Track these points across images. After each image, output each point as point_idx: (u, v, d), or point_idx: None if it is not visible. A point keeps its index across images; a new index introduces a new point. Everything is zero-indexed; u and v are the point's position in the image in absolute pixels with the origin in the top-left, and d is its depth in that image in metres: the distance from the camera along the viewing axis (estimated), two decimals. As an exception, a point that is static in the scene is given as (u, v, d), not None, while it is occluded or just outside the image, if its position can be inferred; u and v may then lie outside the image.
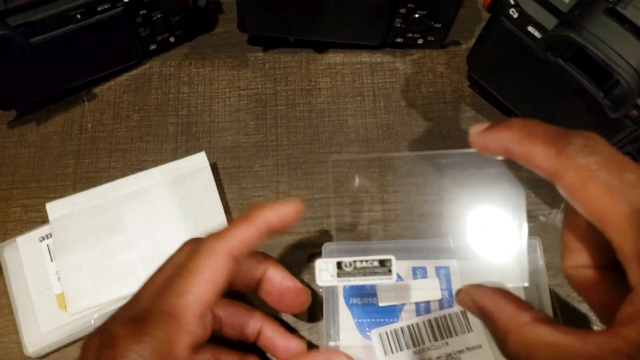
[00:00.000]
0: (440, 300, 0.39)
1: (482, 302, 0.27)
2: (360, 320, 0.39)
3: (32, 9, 0.40)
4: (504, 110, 0.47)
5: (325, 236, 0.43)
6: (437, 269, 0.40)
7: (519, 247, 0.39)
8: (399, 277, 0.39)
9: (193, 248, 0.31)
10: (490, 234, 0.36)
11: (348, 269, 0.30)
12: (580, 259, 0.27)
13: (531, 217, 0.43)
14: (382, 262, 0.30)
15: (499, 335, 0.26)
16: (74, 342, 0.40)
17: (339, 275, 0.31)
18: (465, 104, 0.48)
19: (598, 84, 0.36)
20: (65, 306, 0.40)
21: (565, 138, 0.24)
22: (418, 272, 0.39)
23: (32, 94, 0.46)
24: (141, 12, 0.44)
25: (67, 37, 0.42)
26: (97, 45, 0.45)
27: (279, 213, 0.32)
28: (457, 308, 0.38)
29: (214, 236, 0.31)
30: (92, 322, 0.40)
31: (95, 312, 0.40)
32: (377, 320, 0.39)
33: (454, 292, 0.39)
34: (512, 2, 0.38)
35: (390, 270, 0.30)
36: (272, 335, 0.36)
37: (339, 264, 0.30)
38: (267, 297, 0.36)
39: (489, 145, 0.27)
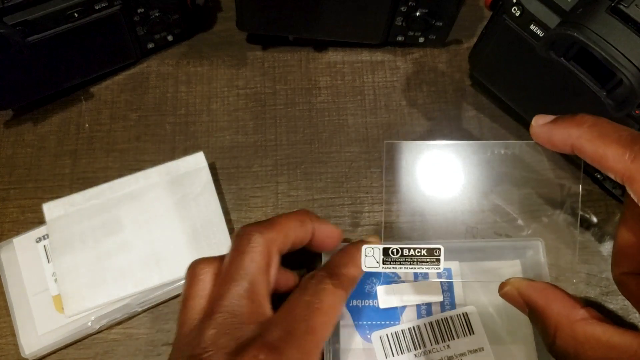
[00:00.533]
0: (441, 302, 0.38)
1: (531, 296, 0.27)
2: (360, 322, 0.38)
3: (29, 7, 0.40)
4: (506, 109, 0.46)
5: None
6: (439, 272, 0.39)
7: (523, 248, 0.39)
8: (397, 276, 0.39)
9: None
10: (496, 234, 0.36)
11: (395, 256, 0.30)
12: (634, 266, 0.27)
13: (534, 217, 0.43)
14: (431, 251, 0.29)
15: (548, 330, 0.26)
16: (70, 344, 0.40)
17: (384, 262, 0.30)
18: (467, 103, 0.47)
19: (601, 83, 0.35)
20: (62, 308, 0.40)
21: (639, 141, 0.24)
22: (419, 274, 0.39)
23: (29, 93, 0.45)
24: (139, 11, 0.44)
25: (64, 36, 0.42)
26: (95, 44, 0.44)
27: (327, 229, 0.34)
28: (459, 310, 0.38)
29: (328, 276, 0.31)
30: (89, 324, 0.39)
31: (92, 314, 0.40)
32: (378, 322, 0.38)
33: (455, 294, 0.39)
34: (514, 1, 0.38)
35: (438, 260, 0.29)
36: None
37: (385, 250, 0.30)
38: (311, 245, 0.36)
39: (555, 139, 0.27)
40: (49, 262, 0.41)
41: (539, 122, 0.28)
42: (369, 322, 0.38)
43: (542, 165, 0.31)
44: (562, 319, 0.25)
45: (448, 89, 0.48)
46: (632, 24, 0.33)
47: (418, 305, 0.38)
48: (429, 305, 0.38)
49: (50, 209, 0.42)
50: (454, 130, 0.46)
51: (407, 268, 0.30)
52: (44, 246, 0.41)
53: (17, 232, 0.42)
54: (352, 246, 0.34)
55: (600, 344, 0.24)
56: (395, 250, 0.30)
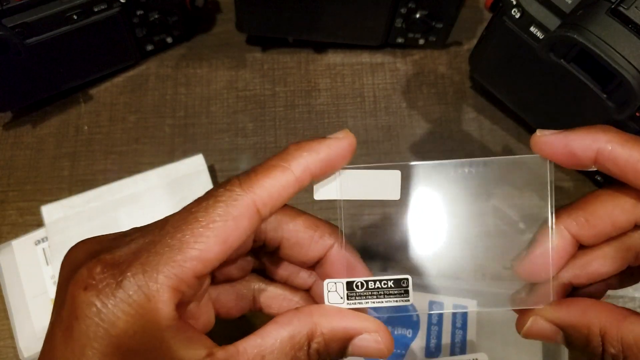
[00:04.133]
0: (451, 342, 0.37)
1: (566, 317, 0.25)
2: None
3: (28, 9, 0.40)
4: (507, 111, 0.46)
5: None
6: (455, 306, 0.38)
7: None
8: (413, 308, 0.38)
9: (211, 194, 0.24)
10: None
11: (360, 290, 0.27)
12: (582, 231, 0.26)
13: (534, 221, 0.43)
14: (398, 282, 0.27)
15: (593, 342, 0.24)
16: (69, 347, 0.40)
17: (349, 298, 0.27)
18: (467, 105, 0.47)
19: (601, 85, 0.35)
20: (61, 311, 0.39)
21: None
22: (434, 307, 0.38)
23: (27, 95, 0.45)
24: (138, 13, 0.44)
25: (63, 38, 0.42)
26: (94, 46, 0.44)
27: (324, 156, 0.26)
28: (469, 357, 0.36)
29: (238, 182, 0.24)
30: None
31: (91, 317, 0.39)
32: None
33: (468, 335, 0.38)
34: (515, 2, 0.38)
35: (407, 292, 0.27)
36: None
37: (349, 285, 0.27)
38: (322, 273, 0.30)
39: (576, 146, 0.24)
40: (47, 264, 0.41)
41: (547, 132, 0.25)
42: None
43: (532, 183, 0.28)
44: (607, 324, 0.24)
45: (448, 91, 0.48)
46: (632, 26, 0.33)
47: (427, 341, 0.37)
48: (438, 341, 0.37)
49: (49, 211, 0.42)
50: (454, 132, 0.46)
51: (373, 302, 0.27)
52: (43, 249, 0.41)
53: (16, 235, 0.42)
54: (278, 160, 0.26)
55: None
56: (360, 284, 0.27)
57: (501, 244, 0.28)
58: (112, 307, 0.22)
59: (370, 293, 0.27)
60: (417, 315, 0.38)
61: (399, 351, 0.38)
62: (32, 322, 0.40)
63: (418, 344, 0.38)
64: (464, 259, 0.29)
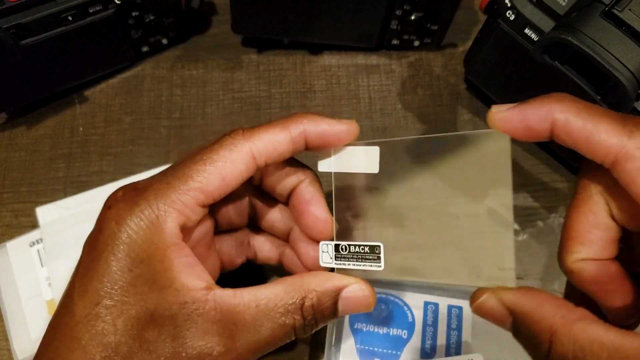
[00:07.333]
0: (447, 342, 0.38)
1: (518, 302, 0.24)
2: (363, 347, 0.38)
3: (23, 10, 0.39)
4: (501, 113, 0.46)
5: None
6: (450, 307, 0.39)
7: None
8: (411, 311, 0.39)
9: (218, 139, 0.29)
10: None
11: (344, 253, 0.31)
12: (593, 251, 0.25)
13: (529, 222, 0.43)
14: (372, 248, 0.30)
15: (541, 338, 0.23)
16: (64, 349, 0.40)
17: (336, 258, 0.31)
18: (462, 107, 0.47)
19: (595, 86, 0.36)
20: (56, 312, 0.39)
21: (634, 120, 0.22)
22: (429, 308, 0.39)
23: (22, 96, 0.45)
24: (133, 14, 0.44)
25: (59, 39, 0.42)
26: (89, 48, 0.44)
27: (321, 129, 0.29)
28: (464, 358, 0.37)
29: (241, 131, 0.29)
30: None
31: (86, 319, 0.39)
32: (381, 349, 0.38)
33: (463, 334, 0.38)
34: (509, 4, 0.38)
35: (379, 257, 0.30)
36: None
37: (336, 247, 0.31)
38: (293, 213, 0.33)
39: (532, 119, 0.24)
40: (42, 266, 0.41)
41: (502, 108, 0.25)
42: (371, 348, 0.38)
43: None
44: (559, 320, 0.22)
45: (443, 93, 0.48)
46: (625, 28, 0.33)
47: (422, 342, 0.38)
48: (434, 341, 0.38)
49: (44, 213, 0.41)
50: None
51: (354, 265, 0.30)
52: (38, 250, 0.41)
53: (11, 237, 0.42)
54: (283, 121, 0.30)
55: (604, 347, 0.21)
56: (344, 247, 0.31)
57: (497, 244, 0.28)
58: (129, 221, 0.26)
59: (351, 256, 0.30)
60: (413, 317, 0.38)
61: (394, 352, 0.38)
62: (27, 324, 0.39)
63: (413, 345, 0.38)
64: (453, 258, 0.29)
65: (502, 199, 0.27)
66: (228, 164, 0.28)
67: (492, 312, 0.25)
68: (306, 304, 0.28)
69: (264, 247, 0.36)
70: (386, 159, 0.30)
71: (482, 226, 0.28)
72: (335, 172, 0.31)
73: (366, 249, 0.30)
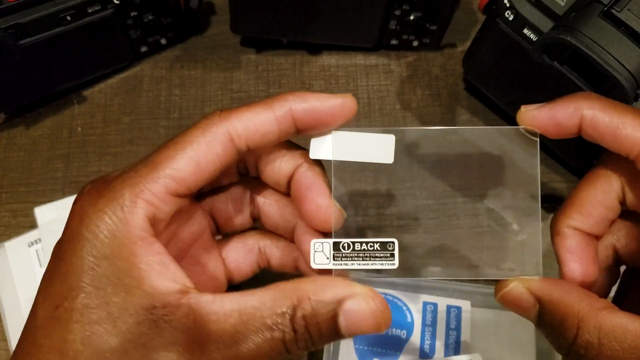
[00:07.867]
0: (446, 342, 0.38)
1: (546, 290, 0.25)
2: (361, 347, 0.38)
3: (22, 10, 0.39)
4: (500, 113, 0.46)
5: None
6: (449, 307, 0.39)
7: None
8: (410, 311, 0.38)
9: (194, 123, 0.27)
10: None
11: (346, 252, 0.27)
12: (586, 222, 0.27)
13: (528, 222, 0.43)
14: (384, 245, 0.27)
15: (568, 326, 0.24)
16: (63, 349, 0.40)
17: (335, 258, 0.27)
18: (461, 107, 0.47)
19: (594, 87, 0.36)
20: (54, 313, 0.39)
21: None
22: (428, 308, 0.39)
23: (21, 96, 0.45)
24: (132, 14, 0.44)
25: (57, 39, 0.42)
26: (88, 48, 0.44)
27: (310, 105, 0.26)
28: (463, 358, 0.36)
29: (218, 112, 0.26)
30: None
31: (84, 319, 0.39)
32: (379, 350, 0.38)
33: (462, 334, 0.38)
34: (508, 5, 0.38)
35: (392, 255, 0.26)
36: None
37: (335, 245, 0.27)
38: (295, 205, 0.30)
39: (560, 116, 0.25)
40: (41, 266, 0.41)
41: (532, 107, 0.26)
42: (370, 349, 0.38)
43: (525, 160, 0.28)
44: (585, 308, 0.24)
45: (442, 93, 0.48)
46: (624, 28, 0.33)
47: (422, 342, 0.38)
48: (432, 342, 0.38)
49: (43, 213, 0.41)
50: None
51: (359, 264, 0.27)
52: (36, 250, 0.41)
53: (9, 237, 0.42)
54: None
55: (628, 333, 0.22)
56: (346, 245, 0.27)
57: (495, 245, 0.28)
58: (91, 214, 0.24)
59: (356, 255, 0.27)
60: (412, 317, 0.38)
61: (393, 352, 0.38)
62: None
63: (412, 345, 0.38)
64: (455, 256, 0.29)
65: (531, 190, 0.27)
66: (202, 147, 0.25)
67: (519, 301, 0.26)
68: (297, 314, 0.23)
69: (276, 253, 0.32)
70: (400, 149, 0.27)
71: (506, 222, 0.28)
72: (335, 161, 0.27)
73: (376, 245, 0.27)
